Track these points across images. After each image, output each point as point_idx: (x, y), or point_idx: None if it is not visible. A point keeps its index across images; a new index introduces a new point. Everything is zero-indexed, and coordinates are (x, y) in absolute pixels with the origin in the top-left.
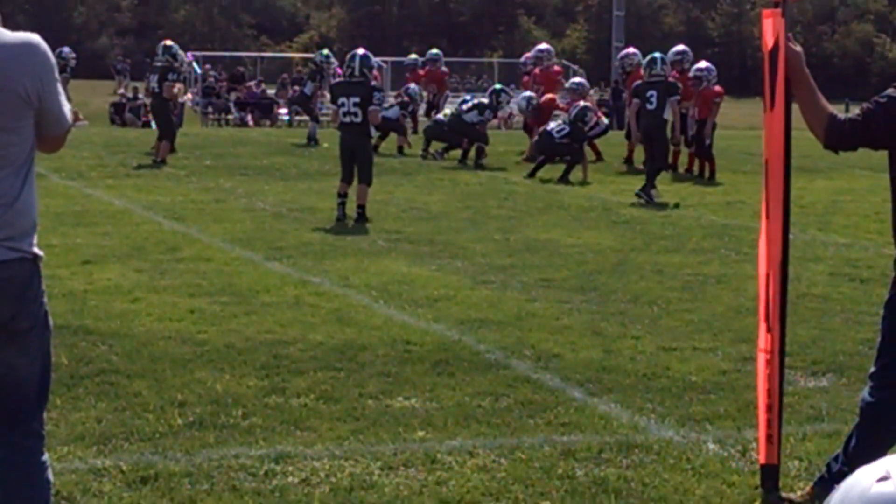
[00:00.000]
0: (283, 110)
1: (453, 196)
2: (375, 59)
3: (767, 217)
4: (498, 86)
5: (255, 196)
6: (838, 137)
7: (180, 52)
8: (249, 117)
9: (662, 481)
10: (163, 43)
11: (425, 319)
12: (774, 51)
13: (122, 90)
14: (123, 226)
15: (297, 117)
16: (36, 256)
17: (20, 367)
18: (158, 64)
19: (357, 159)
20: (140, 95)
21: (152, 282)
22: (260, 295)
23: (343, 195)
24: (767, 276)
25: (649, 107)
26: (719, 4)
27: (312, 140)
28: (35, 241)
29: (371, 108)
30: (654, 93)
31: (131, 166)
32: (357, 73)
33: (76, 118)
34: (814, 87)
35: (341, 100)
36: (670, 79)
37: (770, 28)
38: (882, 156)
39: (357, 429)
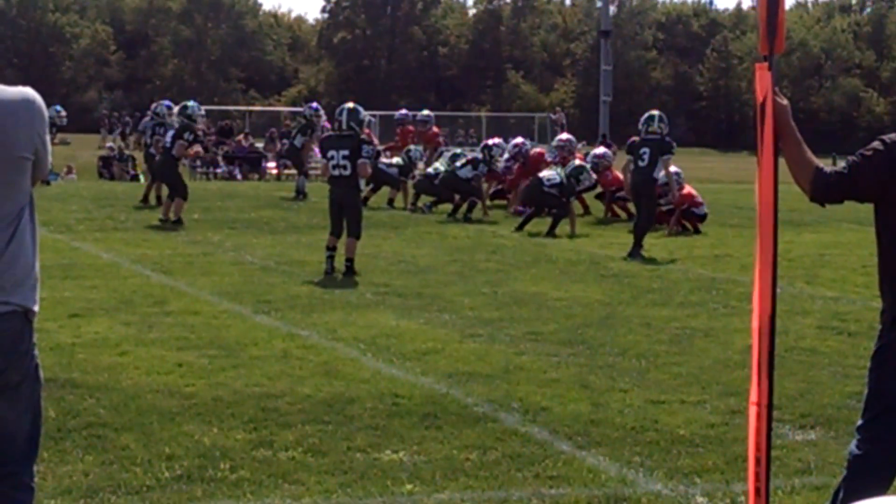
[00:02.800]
0: (272, 164)
1: (441, 250)
2: (365, 113)
3: (759, 270)
4: (490, 141)
5: (243, 249)
6: (824, 190)
7: (199, 112)
8: (238, 171)
9: None
10: (183, 104)
11: (413, 373)
12: (763, 104)
13: (110, 143)
14: (111, 279)
15: (286, 171)
16: (27, 311)
17: (10, 419)
18: (157, 121)
19: (346, 213)
20: (126, 152)
21: (140, 335)
22: (248, 348)
23: (332, 248)
24: (759, 329)
25: (641, 164)
26: (707, 59)
27: (301, 193)
28: (31, 295)
29: (360, 160)
30: (646, 150)
31: (119, 219)
32: (345, 126)
33: (68, 171)
34: (800, 141)
35: (331, 153)
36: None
37: (760, 81)
38: (869, 209)
39: (345, 482)
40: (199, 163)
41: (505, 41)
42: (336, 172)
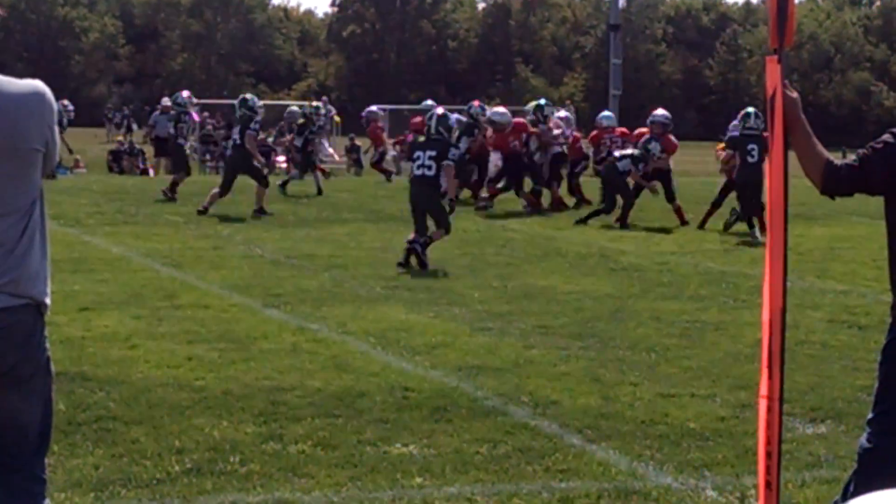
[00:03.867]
0: (281, 158)
1: (451, 243)
2: (454, 118)
3: (769, 264)
4: (542, 101)
5: (253, 243)
6: (835, 183)
7: (258, 104)
8: None
9: None
10: (242, 97)
11: (423, 366)
12: (773, 98)
13: (120, 138)
14: (121, 273)
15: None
16: (40, 304)
17: (22, 412)
18: (180, 110)
19: (429, 212)
20: (137, 145)
21: (150, 328)
22: (258, 342)
23: (412, 242)
24: (770, 322)
25: (750, 160)
26: (716, 52)
27: (315, 188)
28: (43, 288)
29: (445, 163)
30: (754, 146)
31: (129, 213)
32: (433, 130)
33: (76, 165)
34: (810, 134)
35: (417, 153)
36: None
37: (770, 75)
38: (879, 203)
39: (355, 476)
40: (208, 156)
41: (514, 35)
42: (419, 172)
